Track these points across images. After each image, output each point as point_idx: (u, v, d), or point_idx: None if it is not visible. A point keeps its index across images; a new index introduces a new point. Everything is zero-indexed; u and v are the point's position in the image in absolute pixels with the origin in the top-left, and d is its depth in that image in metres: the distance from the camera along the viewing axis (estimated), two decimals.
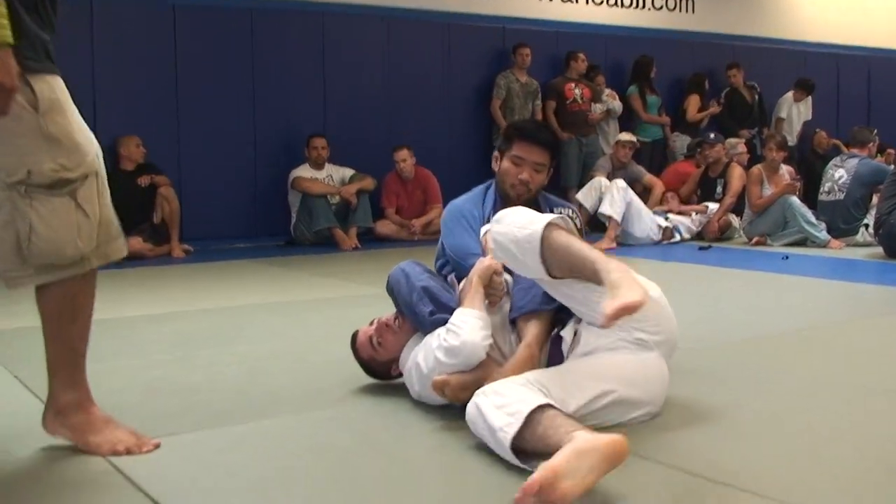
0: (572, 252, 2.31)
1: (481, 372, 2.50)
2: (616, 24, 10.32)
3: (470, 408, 2.24)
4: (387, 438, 2.43)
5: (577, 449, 1.89)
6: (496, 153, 3.24)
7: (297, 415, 2.68)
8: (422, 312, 2.69)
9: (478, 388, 2.32)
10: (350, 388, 2.93)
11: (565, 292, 2.48)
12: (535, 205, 3.19)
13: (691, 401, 2.84)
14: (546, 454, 1.95)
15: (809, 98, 10.90)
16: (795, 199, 7.58)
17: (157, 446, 2.32)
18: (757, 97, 10.58)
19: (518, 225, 2.38)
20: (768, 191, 7.72)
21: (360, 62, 8.56)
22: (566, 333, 2.62)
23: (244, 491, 2.06)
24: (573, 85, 9.31)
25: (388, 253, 7.13)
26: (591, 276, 2.27)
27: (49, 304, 2.28)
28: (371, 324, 2.90)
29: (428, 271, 2.92)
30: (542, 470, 1.84)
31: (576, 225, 3.21)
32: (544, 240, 2.31)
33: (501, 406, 2.15)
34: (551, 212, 3.20)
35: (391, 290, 2.87)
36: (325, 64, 8.39)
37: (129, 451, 2.28)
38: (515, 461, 2.07)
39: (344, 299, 4.95)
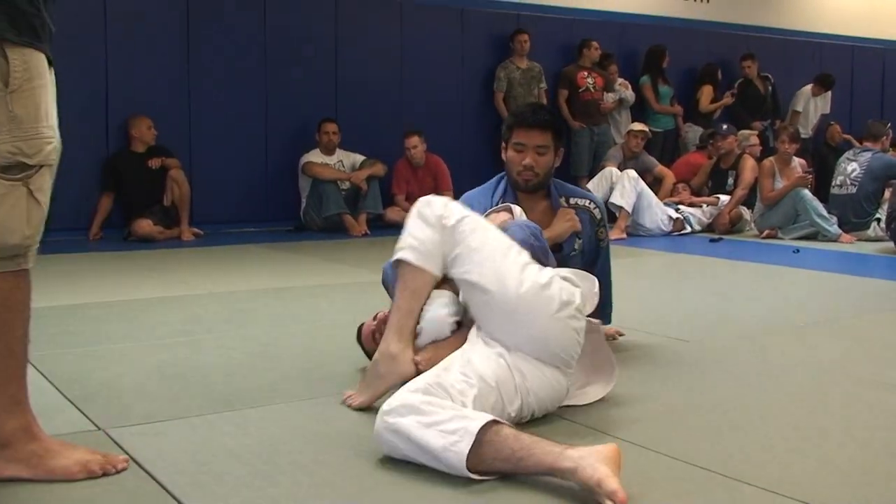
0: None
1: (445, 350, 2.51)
2: (630, 12, 10.27)
3: (382, 430, 2.11)
4: None
5: (602, 458, 1.91)
6: (503, 144, 3.23)
7: (305, 399, 2.69)
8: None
9: None
10: (359, 373, 2.93)
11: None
12: (547, 193, 3.20)
13: (699, 393, 2.84)
14: (500, 469, 2.01)
15: (828, 93, 10.86)
16: (807, 192, 7.55)
17: (126, 463, 2.09)
18: (770, 89, 10.53)
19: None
20: (780, 183, 7.69)
21: (373, 47, 8.54)
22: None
23: (252, 475, 2.07)
24: (586, 73, 9.27)
25: (397, 240, 7.11)
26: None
27: None
28: (374, 318, 2.94)
29: None
30: (616, 482, 1.85)
31: (594, 217, 3.20)
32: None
33: (431, 425, 2.05)
34: (567, 202, 3.20)
35: (384, 284, 2.99)
36: (337, 48, 8.37)
37: (104, 472, 2.04)
38: (471, 476, 2.00)
39: (353, 285, 4.96)
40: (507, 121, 3.31)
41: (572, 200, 3.23)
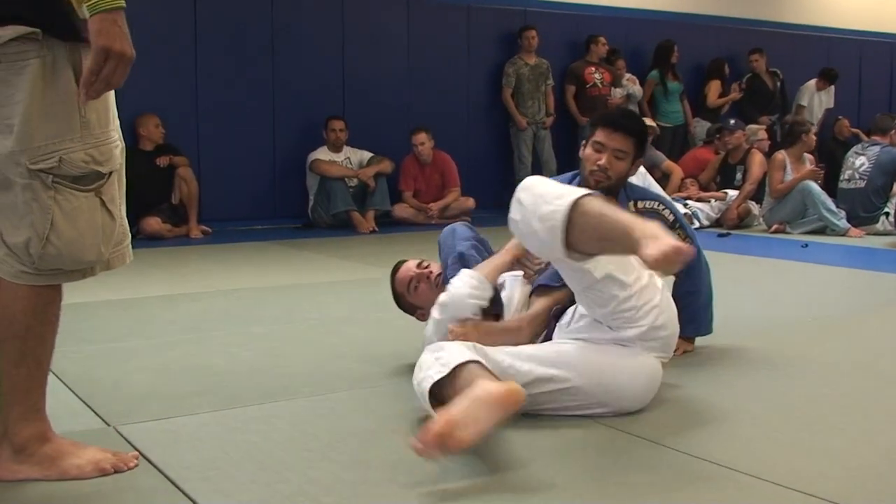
0: (605, 221, 2.18)
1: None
2: (638, 8, 10.25)
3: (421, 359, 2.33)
4: (404, 421, 2.43)
5: (474, 397, 2.01)
6: (583, 141, 3.21)
7: (313, 397, 2.69)
8: (450, 275, 2.77)
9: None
10: (367, 370, 2.94)
11: (573, 276, 2.44)
12: (616, 195, 3.12)
13: (708, 388, 2.84)
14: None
15: (832, 87, 10.84)
16: (815, 186, 7.52)
17: (137, 461, 2.09)
18: (779, 84, 10.51)
19: (546, 198, 2.26)
20: (790, 178, 7.67)
21: (380, 44, 8.54)
22: (568, 313, 2.62)
23: (261, 471, 2.07)
24: (593, 69, 9.26)
25: (405, 236, 7.14)
26: (624, 239, 2.11)
27: (14, 319, 1.92)
28: (419, 264, 3.01)
29: (476, 238, 3.00)
30: (440, 418, 1.95)
31: (665, 219, 3.10)
32: (573, 211, 2.18)
33: (438, 357, 2.25)
34: (635, 206, 3.14)
35: (439, 243, 3.04)
36: (344, 46, 8.38)
37: (116, 470, 2.04)
38: (427, 406, 2.19)
39: (361, 282, 4.96)
40: (592, 120, 3.27)
41: (640, 204, 3.13)
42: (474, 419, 1.97)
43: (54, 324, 1.99)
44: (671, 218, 3.12)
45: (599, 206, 2.20)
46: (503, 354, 2.39)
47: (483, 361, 2.24)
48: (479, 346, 2.36)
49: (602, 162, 3.03)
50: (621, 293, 2.38)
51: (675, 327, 2.54)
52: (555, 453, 2.21)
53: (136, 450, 2.19)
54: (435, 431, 1.92)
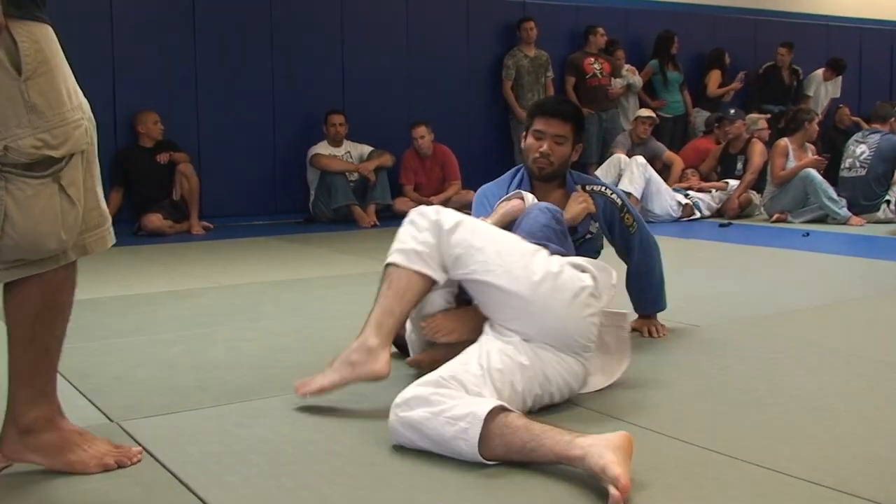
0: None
1: (447, 350, 2.51)
2: None
3: (395, 424, 2.14)
4: None
5: (611, 446, 1.90)
6: (523, 133, 3.27)
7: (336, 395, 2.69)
8: None
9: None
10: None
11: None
12: (563, 182, 3.21)
13: (710, 376, 2.84)
14: (511, 458, 2.01)
15: (839, 78, 10.82)
16: (816, 175, 7.52)
17: (141, 455, 2.08)
18: (796, 83, 10.51)
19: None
20: (792, 165, 7.65)
21: (379, 38, 8.53)
22: None
23: (263, 465, 2.08)
24: (592, 60, 9.25)
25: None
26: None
27: (23, 304, 1.90)
28: None
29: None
30: (621, 483, 1.81)
31: (614, 202, 3.20)
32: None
33: (439, 413, 2.06)
34: (583, 189, 3.20)
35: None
36: (344, 40, 8.37)
37: (119, 465, 2.02)
38: (483, 461, 2.01)
39: (362, 276, 4.96)
40: (529, 109, 3.35)
41: (588, 187, 3.23)
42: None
43: (65, 311, 1.96)
44: (619, 202, 3.22)
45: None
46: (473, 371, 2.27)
47: (505, 405, 2.09)
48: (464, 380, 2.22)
49: (543, 148, 3.14)
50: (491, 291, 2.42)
51: (555, 325, 2.39)
52: None
53: (140, 444, 2.20)
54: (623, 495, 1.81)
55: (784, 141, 7.79)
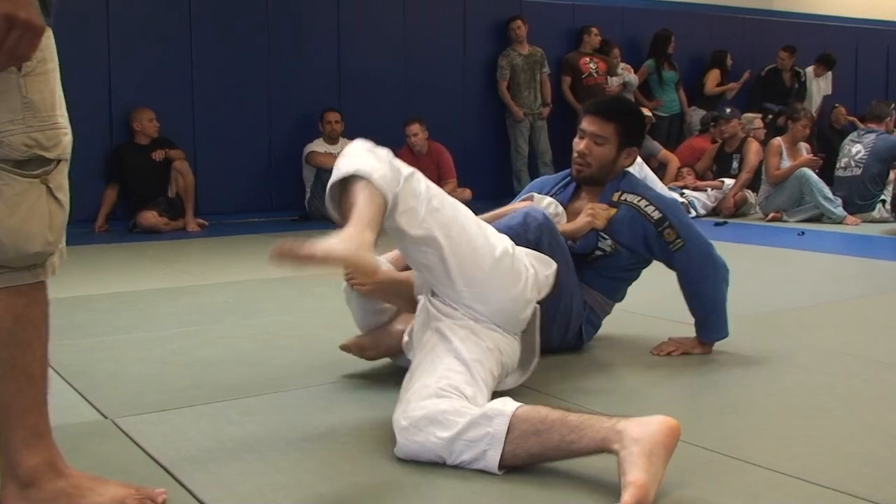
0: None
1: (375, 336, 2.59)
2: None
3: (407, 444, 2.04)
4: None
5: (645, 451, 1.81)
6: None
7: (310, 388, 2.69)
8: None
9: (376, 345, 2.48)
10: (363, 361, 2.94)
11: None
12: (603, 185, 3.03)
13: (702, 374, 2.85)
14: (547, 457, 1.94)
15: (830, 73, 10.84)
16: (812, 174, 7.53)
17: (165, 496, 1.86)
18: (797, 85, 10.53)
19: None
20: (787, 164, 7.67)
21: (375, 36, 8.53)
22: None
23: (259, 462, 2.08)
24: (588, 59, 9.26)
25: None
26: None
27: None
28: None
29: None
30: (633, 489, 1.75)
31: (646, 214, 2.92)
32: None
33: (455, 438, 1.97)
34: (619, 198, 2.96)
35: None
36: (340, 37, 8.36)
37: None
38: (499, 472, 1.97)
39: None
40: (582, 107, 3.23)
41: (624, 196, 2.97)
42: (656, 473, 1.81)
43: (40, 329, 1.74)
44: (655, 216, 2.92)
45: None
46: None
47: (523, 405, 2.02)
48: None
49: (581, 147, 2.99)
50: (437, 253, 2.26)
51: (504, 305, 2.31)
52: None
53: (133, 441, 2.20)
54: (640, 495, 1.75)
55: (777, 140, 7.81)
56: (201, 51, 7.72)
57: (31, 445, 1.73)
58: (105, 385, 2.73)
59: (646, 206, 2.94)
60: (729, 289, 3.01)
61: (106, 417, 2.42)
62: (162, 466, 2.05)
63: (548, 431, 1.91)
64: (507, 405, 1.98)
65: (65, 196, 1.77)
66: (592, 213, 2.94)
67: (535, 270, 2.46)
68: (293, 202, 8.03)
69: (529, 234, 2.66)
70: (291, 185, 8.02)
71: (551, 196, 3.11)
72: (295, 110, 8.13)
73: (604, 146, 2.96)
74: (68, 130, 1.77)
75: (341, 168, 2.20)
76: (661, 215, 2.92)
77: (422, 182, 2.25)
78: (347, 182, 2.17)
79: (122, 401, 2.56)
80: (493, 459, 1.94)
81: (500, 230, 2.53)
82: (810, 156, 7.77)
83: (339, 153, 8.37)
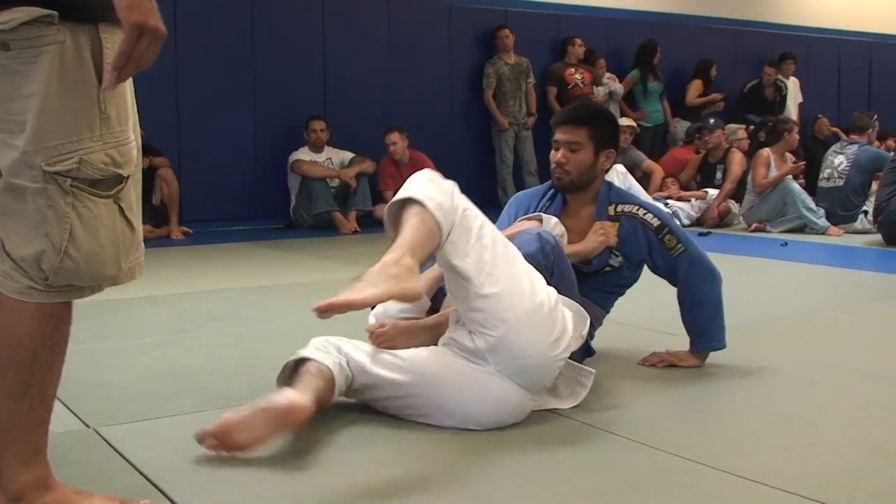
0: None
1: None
2: (617, 7, 10.28)
3: None
4: (383, 418, 2.44)
5: (258, 407, 2.12)
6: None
7: None
8: None
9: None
10: None
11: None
12: (594, 198, 3.00)
13: (687, 385, 2.86)
14: None
15: (797, 81, 10.87)
16: (795, 185, 7.57)
17: None
18: (779, 98, 10.58)
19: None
20: (774, 174, 7.70)
21: (360, 44, 8.54)
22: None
23: (240, 472, 2.07)
24: (573, 70, 9.30)
25: (387, 237, 7.12)
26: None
27: (22, 340, 1.65)
28: None
29: None
30: (222, 421, 2.11)
31: (648, 224, 2.89)
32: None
33: (309, 346, 2.47)
34: (614, 209, 2.94)
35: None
36: (325, 46, 8.37)
37: None
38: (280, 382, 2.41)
39: (343, 282, 4.91)
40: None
41: (619, 208, 2.95)
42: (251, 426, 2.10)
43: (63, 349, 1.71)
44: (655, 223, 2.92)
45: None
46: (364, 356, 2.43)
47: (325, 362, 2.36)
48: (349, 344, 2.47)
49: (558, 157, 2.96)
50: (471, 287, 2.27)
51: (531, 354, 2.32)
52: (526, 449, 2.22)
53: (116, 450, 2.19)
54: (213, 431, 2.11)
55: (766, 151, 7.83)
56: (186, 58, 7.69)
57: (28, 462, 1.72)
58: (87, 394, 2.72)
59: (644, 213, 2.94)
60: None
61: (88, 426, 2.41)
62: (144, 476, 2.04)
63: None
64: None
65: (134, 216, 1.72)
66: (604, 231, 2.90)
67: (570, 326, 2.43)
68: (278, 210, 8.02)
69: (547, 261, 2.62)
70: (276, 194, 8.01)
71: (540, 212, 3.04)
72: (280, 118, 8.13)
73: (579, 152, 2.94)
74: (135, 143, 1.73)
75: (400, 192, 2.30)
76: (660, 222, 2.92)
77: (478, 218, 2.33)
78: (403, 206, 2.26)
79: (104, 410, 2.56)
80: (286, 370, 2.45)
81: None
82: (794, 163, 7.80)
83: (324, 161, 8.36)
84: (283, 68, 8.13)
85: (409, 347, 2.45)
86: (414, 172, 2.47)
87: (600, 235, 2.90)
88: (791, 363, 3.15)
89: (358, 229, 7.63)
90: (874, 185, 7.48)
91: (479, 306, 2.29)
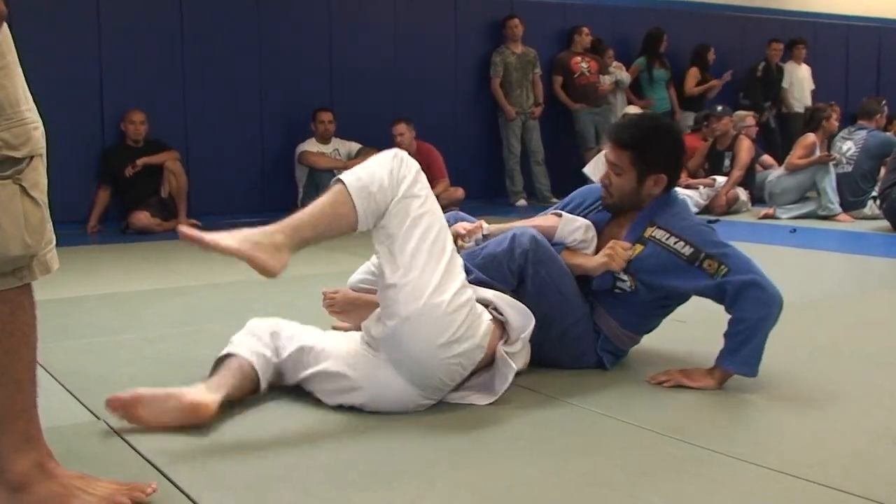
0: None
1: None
2: None
3: None
4: (397, 413, 2.44)
5: (170, 393, 2.29)
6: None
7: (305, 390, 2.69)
8: None
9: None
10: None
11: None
12: (635, 216, 2.83)
13: None
14: None
15: (804, 66, 10.82)
16: (831, 167, 7.53)
17: (156, 486, 1.87)
18: (780, 74, 10.53)
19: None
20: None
21: (367, 35, 8.53)
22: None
23: (250, 462, 2.08)
24: (579, 59, 9.27)
25: None
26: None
27: None
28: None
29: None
30: (133, 393, 2.28)
31: (679, 254, 2.68)
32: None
33: (247, 334, 2.65)
34: (650, 233, 2.75)
35: None
36: (332, 37, 8.36)
37: (133, 501, 1.81)
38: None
39: (350, 273, 4.95)
40: None
41: (653, 232, 2.74)
42: (158, 409, 2.26)
43: (29, 335, 1.69)
44: (687, 251, 2.67)
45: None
46: (291, 341, 2.60)
47: (249, 357, 2.48)
48: (283, 333, 2.65)
49: (603, 177, 2.84)
50: (384, 275, 2.36)
51: (415, 351, 2.32)
52: (532, 436, 2.22)
53: (126, 442, 2.20)
54: (122, 399, 2.27)
55: (812, 136, 7.82)
56: (193, 51, 7.71)
57: (22, 450, 1.71)
58: (98, 386, 2.72)
59: (675, 242, 2.69)
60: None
61: (98, 418, 2.42)
62: (155, 466, 2.05)
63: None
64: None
65: (41, 194, 1.67)
66: (611, 252, 2.74)
67: (508, 321, 2.50)
68: (285, 202, 7.98)
69: (512, 264, 2.63)
70: (284, 185, 8.01)
71: (590, 212, 2.94)
72: (287, 110, 8.13)
73: (622, 176, 2.77)
74: (38, 124, 1.67)
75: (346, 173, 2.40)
76: (692, 250, 2.66)
77: (423, 207, 2.37)
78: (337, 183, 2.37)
79: None
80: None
81: (484, 257, 2.63)
82: (826, 153, 7.79)
83: (331, 153, 8.35)
84: (290, 60, 8.12)
85: (352, 317, 2.76)
86: (421, 164, 2.50)
87: (604, 257, 2.74)
88: (799, 349, 3.14)
89: None
90: (882, 171, 7.45)
91: (385, 294, 2.35)
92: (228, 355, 2.50)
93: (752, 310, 2.62)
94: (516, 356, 2.52)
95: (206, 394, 2.31)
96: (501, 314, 2.51)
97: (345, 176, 2.35)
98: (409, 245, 2.31)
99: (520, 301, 2.60)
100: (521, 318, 2.54)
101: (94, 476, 1.84)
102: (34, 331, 1.72)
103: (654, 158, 2.77)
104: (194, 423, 2.26)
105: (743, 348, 2.62)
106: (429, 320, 2.29)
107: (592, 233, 2.84)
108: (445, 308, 2.29)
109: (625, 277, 2.75)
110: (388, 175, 2.34)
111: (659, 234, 2.72)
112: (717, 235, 2.76)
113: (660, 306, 2.86)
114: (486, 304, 2.50)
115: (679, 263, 2.67)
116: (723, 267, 2.64)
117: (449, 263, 2.34)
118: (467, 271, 2.53)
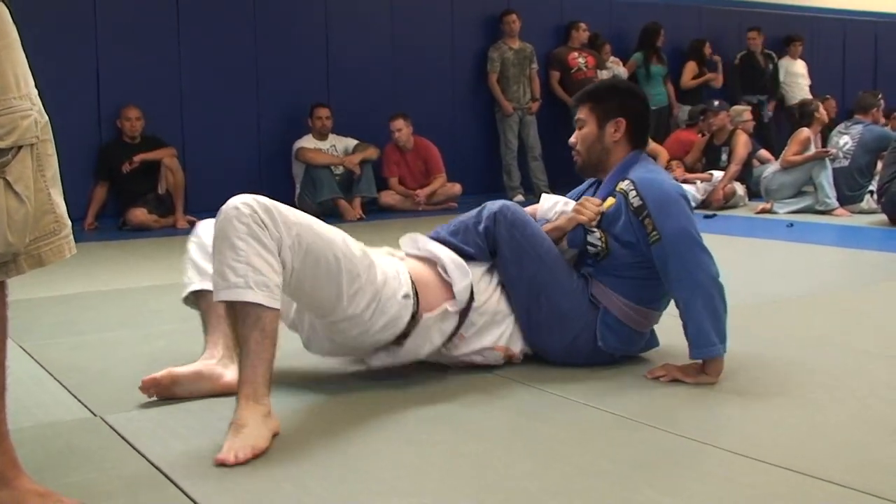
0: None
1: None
2: None
3: None
4: (396, 409, 2.45)
5: (201, 373, 2.51)
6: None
7: (299, 383, 2.70)
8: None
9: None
10: (354, 358, 2.94)
11: None
12: (606, 173, 2.86)
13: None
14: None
15: (800, 61, 10.82)
16: (828, 162, 7.54)
17: None
18: (772, 67, 10.53)
19: None
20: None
21: (364, 31, 8.52)
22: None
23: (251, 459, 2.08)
24: (576, 54, 9.26)
25: (392, 223, 7.14)
26: None
27: None
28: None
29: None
30: (168, 373, 2.45)
31: (629, 202, 2.67)
32: None
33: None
34: (618, 188, 2.73)
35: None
36: (328, 33, 8.36)
37: None
38: (187, 288, 2.89)
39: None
40: None
41: (623, 185, 2.73)
42: (193, 389, 2.49)
43: (2, 330, 1.62)
44: (636, 203, 2.64)
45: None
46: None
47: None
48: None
49: (571, 140, 2.92)
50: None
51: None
52: (529, 430, 2.23)
53: (123, 438, 2.20)
54: (157, 379, 2.44)
55: (807, 131, 7.82)
56: (189, 47, 7.70)
57: None
58: (95, 383, 2.73)
59: (631, 191, 2.67)
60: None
61: (95, 415, 2.42)
62: (152, 463, 2.05)
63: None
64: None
65: (26, 189, 1.56)
66: (579, 207, 2.76)
67: (451, 277, 2.62)
68: (283, 198, 7.77)
69: (479, 226, 2.75)
70: (281, 182, 8.00)
71: (587, 195, 2.95)
72: (284, 106, 8.12)
73: (584, 127, 2.87)
74: (30, 112, 1.57)
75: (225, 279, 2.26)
76: (640, 203, 2.63)
77: (309, 234, 2.60)
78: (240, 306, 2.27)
79: (111, 398, 2.56)
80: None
81: (456, 224, 2.79)
82: (824, 149, 7.80)
83: (328, 149, 8.33)
84: (287, 56, 8.12)
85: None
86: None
87: (573, 211, 2.79)
88: (796, 343, 3.15)
89: (363, 216, 7.64)
90: (880, 165, 7.46)
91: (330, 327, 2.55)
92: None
93: (691, 290, 2.58)
94: (508, 339, 2.75)
95: (233, 377, 2.37)
96: (447, 274, 2.64)
97: (258, 298, 2.20)
98: (296, 263, 2.45)
99: (504, 273, 2.75)
100: (459, 272, 2.64)
101: (58, 493, 1.73)
102: (5, 328, 1.64)
103: (609, 105, 2.85)
104: (220, 394, 2.46)
105: (703, 332, 2.58)
106: (347, 327, 2.50)
107: (573, 204, 2.86)
108: (351, 312, 2.46)
109: (595, 231, 2.73)
110: (264, 251, 2.32)
111: (625, 184, 2.71)
112: (682, 206, 2.68)
113: (646, 267, 2.69)
114: (434, 261, 2.68)
115: (630, 216, 2.67)
116: (654, 233, 2.60)
117: (346, 272, 2.51)
118: (447, 244, 2.73)
